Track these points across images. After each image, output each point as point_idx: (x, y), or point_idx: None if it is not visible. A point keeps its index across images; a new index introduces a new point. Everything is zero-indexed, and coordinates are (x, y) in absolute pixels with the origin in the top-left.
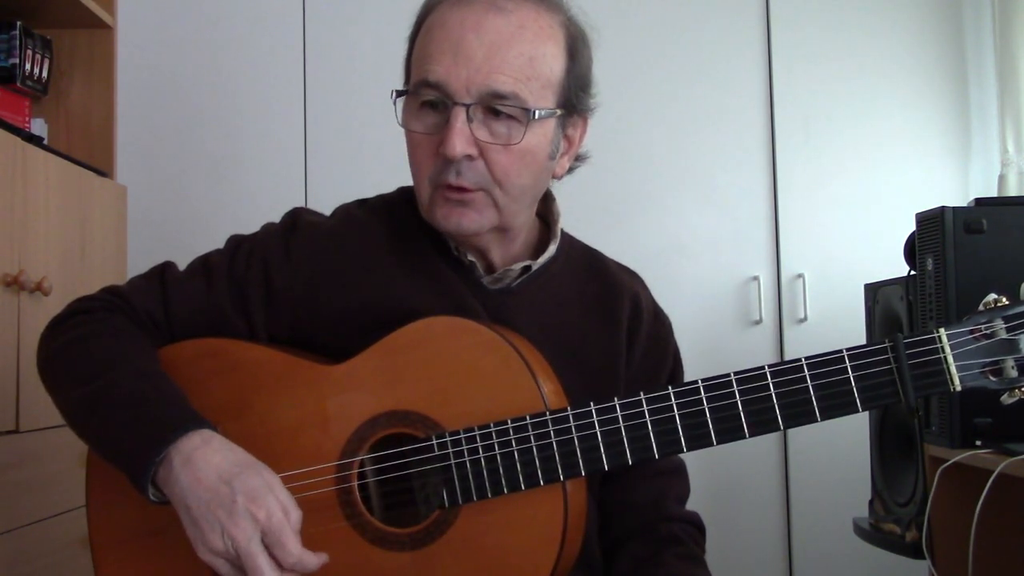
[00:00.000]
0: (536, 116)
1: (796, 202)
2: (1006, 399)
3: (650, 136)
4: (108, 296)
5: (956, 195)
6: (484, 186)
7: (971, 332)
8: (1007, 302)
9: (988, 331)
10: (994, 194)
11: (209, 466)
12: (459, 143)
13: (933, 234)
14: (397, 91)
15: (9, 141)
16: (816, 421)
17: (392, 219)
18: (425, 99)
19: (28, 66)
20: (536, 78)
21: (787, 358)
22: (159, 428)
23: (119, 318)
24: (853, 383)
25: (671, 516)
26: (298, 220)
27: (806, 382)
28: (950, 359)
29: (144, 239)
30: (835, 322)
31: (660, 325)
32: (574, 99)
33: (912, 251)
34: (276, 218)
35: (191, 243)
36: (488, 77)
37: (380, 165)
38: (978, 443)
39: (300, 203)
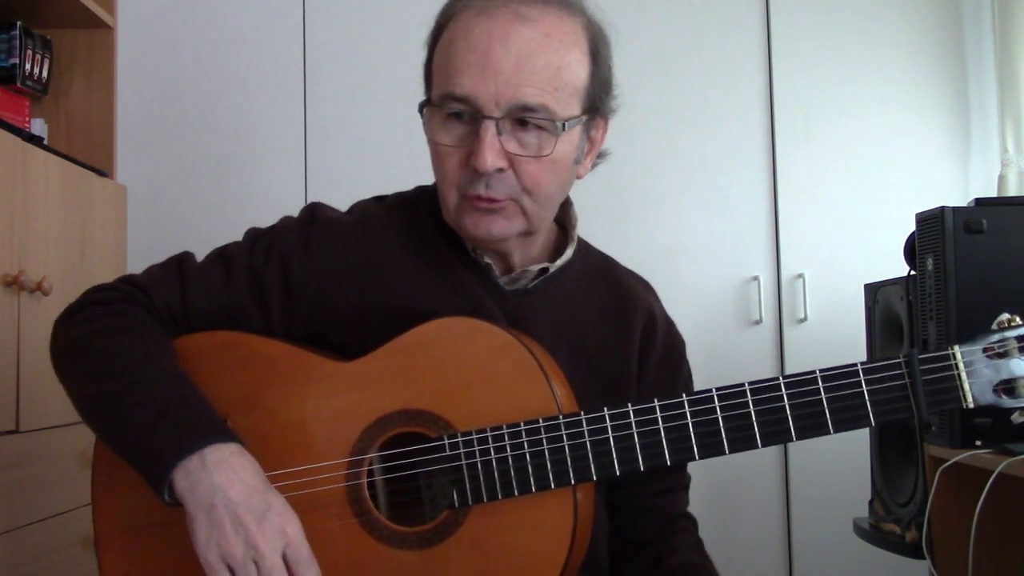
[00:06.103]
0: (565, 128)
1: (796, 202)
2: (1017, 418)
3: (650, 137)
4: (126, 286)
5: (956, 195)
6: (513, 196)
7: (984, 350)
8: (1020, 322)
9: (1001, 350)
10: (994, 194)
11: (245, 473)
12: (490, 157)
13: (933, 234)
14: (421, 103)
15: (9, 141)
16: (828, 434)
17: (410, 218)
18: (451, 111)
19: (28, 66)
20: (563, 87)
21: (787, 358)
22: (192, 431)
23: (139, 312)
24: (867, 396)
25: (682, 514)
26: (316, 214)
27: (820, 394)
28: (964, 376)
29: (144, 239)
30: (835, 322)
31: (674, 336)
32: (598, 102)
33: (912, 251)
34: (276, 218)
35: (191, 243)
36: (517, 90)
37: (380, 165)
38: (978, 443)
39: (300, 203)
